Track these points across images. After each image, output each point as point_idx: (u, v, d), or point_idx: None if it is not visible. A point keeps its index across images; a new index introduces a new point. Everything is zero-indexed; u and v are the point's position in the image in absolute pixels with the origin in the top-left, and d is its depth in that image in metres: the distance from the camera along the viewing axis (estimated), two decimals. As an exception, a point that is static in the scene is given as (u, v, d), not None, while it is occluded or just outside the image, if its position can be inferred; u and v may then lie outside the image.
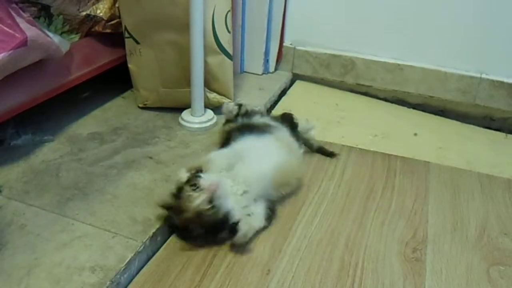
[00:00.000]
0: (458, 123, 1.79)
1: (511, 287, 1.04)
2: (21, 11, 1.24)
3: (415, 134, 1.65)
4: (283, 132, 1.33)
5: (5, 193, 1.18)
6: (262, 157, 1.18)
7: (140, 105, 1.61)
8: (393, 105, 1.88)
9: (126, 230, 1.07)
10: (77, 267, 0.96)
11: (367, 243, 1.13)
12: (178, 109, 1.55)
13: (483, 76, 1.74)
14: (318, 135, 1.49)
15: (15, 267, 0.96)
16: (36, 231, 1.06)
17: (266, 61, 1.96)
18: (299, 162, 1.32)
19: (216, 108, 1.57)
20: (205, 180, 1.05)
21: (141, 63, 1.53)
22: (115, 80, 1.69)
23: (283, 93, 1.90)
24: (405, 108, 1.87)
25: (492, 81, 1.74)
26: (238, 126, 1.34)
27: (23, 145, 1.38)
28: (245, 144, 1.23)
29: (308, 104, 1.81)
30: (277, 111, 1.69)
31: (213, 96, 1.54)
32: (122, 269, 0.97)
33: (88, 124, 1.51)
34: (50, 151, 1.36)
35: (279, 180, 1.19)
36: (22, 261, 0.98)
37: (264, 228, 1.14)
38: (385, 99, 1.91)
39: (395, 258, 1.09)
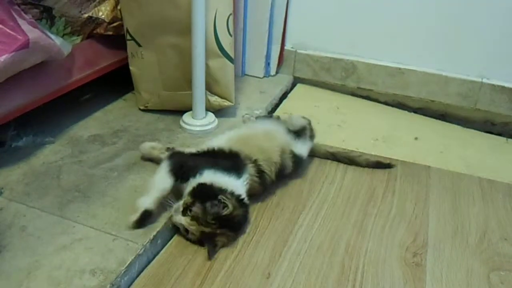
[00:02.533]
0: (459, 127, 1.79)
1: (512, 293, 1.05)
2: (23, 13, 1.25)
3: (416, 138, 1.65)
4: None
5: (6, 194, 1.18)
6: None
7: (141, 108, 1.61)
8: (394, 109, 1.88)
9: (127, 233, 1.07)
10: (77, 270, 0.96)
11: (368, 248, 1.13)
12: (179, 112, 1.55)
13: (484, 80, 1.74)
14: (318, 139, 1.49)
15: (15, 269, 0.96)
16: (37, 233, 1.06)
17: (267, 64, 1.97)
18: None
19: (218, 111, 1.57)
20: None
21: (142, 65, 1.53)
22: (116, 83, 1.69)
23: (284, 96, 1.91)
24: (406, 112, 1.87)
25: (493, 85, 1.74)
26: None
27: (24, 146, 1.38)
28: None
29: (309, 107, 1.81)
30: (279, 114, 1.69)
31: (214, 99, 1.54)
32: (123, 272, 0.97)
33: (89, 126, 1.51)
34: (51, 153, 1.36)
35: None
36: (22, 263, 0.98)
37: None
38: (386, 103, 1.91)
39: (396, 262, 1.09)
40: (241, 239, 1.13)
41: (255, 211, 1.23)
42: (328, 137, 1.59)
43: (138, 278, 1.01)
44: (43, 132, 1.44)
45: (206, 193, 1.09)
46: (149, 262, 1.06)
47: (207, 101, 1.52)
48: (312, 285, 1.01)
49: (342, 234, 1.17)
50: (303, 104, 1.84)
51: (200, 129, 1.49)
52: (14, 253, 1.00)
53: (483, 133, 1.77)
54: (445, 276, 1.07)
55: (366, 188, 1.35)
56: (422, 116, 1.85)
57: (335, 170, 1.42)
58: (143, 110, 1.61)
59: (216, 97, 1.54)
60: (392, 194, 1.34)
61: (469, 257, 1.13)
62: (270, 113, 1.72)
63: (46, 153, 1.36)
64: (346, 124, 1.71)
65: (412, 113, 1.86)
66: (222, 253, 1.08)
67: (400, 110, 1.87)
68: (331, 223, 1.21)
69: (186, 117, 1.52)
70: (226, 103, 1.56)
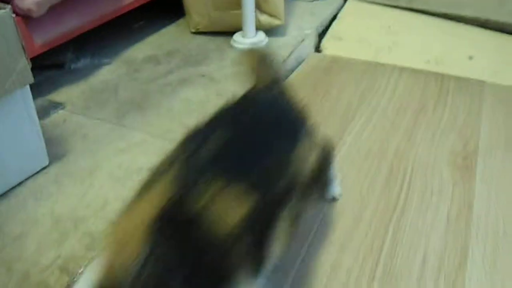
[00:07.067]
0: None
1: None
2: None
3: (470, 58, 1.61)
4: None
5: (68, 108, 1.25)
6: None
7: (193, 30, 1.64)
8: (449, 24, 1.82)
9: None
10: (135, 168, 1.02)
11: (417, 153, 1.14)
12: (230, 33, 1.57)
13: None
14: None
15: (79, 169, 1.03)
16: (97, 140, 1.12)
17: (319, -15, 1.93)
18: None
19: (268, 31, 1.57)
20: None
21: (193, -13, 1.55)
22: (168, 9, 1.72)
23: (334, 18, 1.88)
24: (461, 28, 1.81)
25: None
26: None
27: (83, 68, 1.44)
28: None
29: (359, 28, 1.78)
30: (327, 38, 1.69)
31: (264, 18, 1.54)
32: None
33: (143, 49, 1.55)
34: (108, 73, 1.41)
35: None
36: (85, 164, 1.04)
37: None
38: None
39: (445, 165, 1.09)
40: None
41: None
42: (379, 57, 1.58)
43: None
44: (100, 55, 1.50)
45: None
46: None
47: (257, 20, 1.53)
48: (361, 183, 1.04)
49: (391, 141, 1.18)
50: (353, 26, 1.80)
51: (251, 46, 1.50)
52: (77, 156, 1.07)
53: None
54: (496, 180, 1.06)
55: (417, 100, 1.34)
56: (477, 32, 1.79)
57: (386, 84, 1.41)
58: (194, 33, 1.64)
59: (266, 15, 1.54)
60: (444, 106, 1.32)
61: (520, 164, 1.12)
62: (321, 35, 1.72)
63: (103, 73, 1.42)
64: (397, 46, 1.68)
65: (468, 30, 1.80)
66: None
67: (455, 26, 1.81)
68: (380, 132, 1.21)
69: (237, 36, 1.54)
70: (276, 21, 1.56)
